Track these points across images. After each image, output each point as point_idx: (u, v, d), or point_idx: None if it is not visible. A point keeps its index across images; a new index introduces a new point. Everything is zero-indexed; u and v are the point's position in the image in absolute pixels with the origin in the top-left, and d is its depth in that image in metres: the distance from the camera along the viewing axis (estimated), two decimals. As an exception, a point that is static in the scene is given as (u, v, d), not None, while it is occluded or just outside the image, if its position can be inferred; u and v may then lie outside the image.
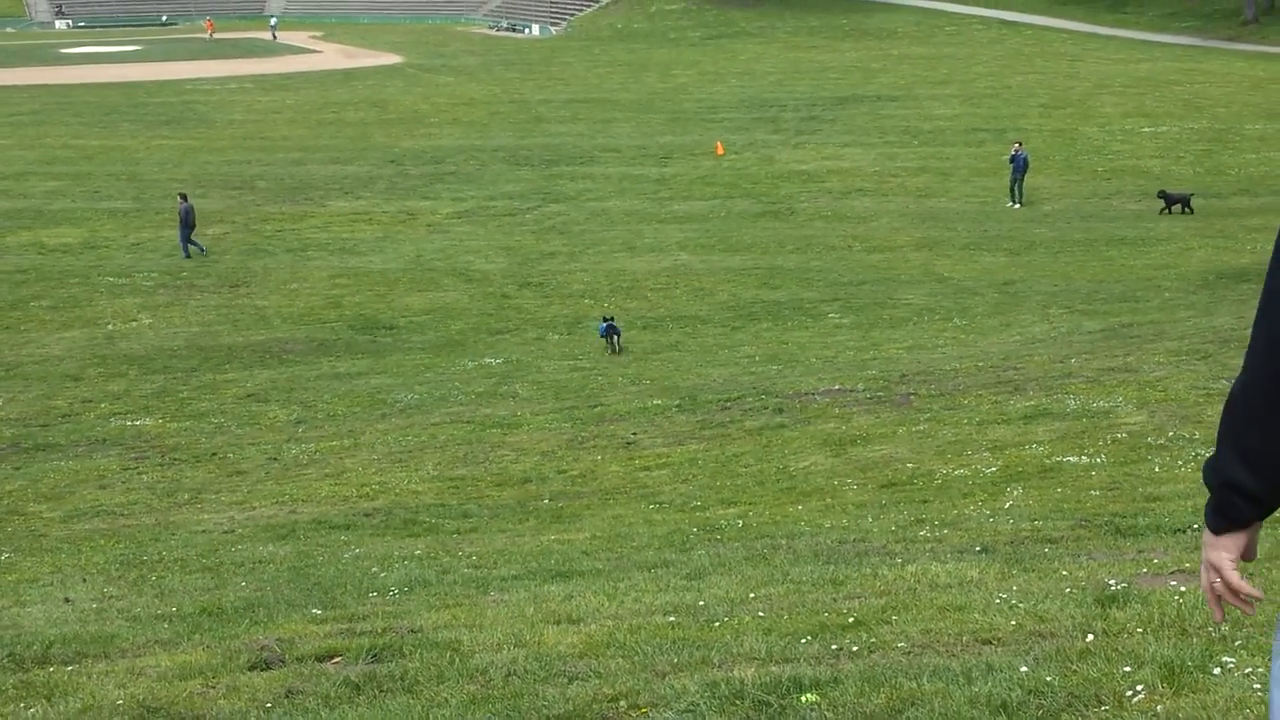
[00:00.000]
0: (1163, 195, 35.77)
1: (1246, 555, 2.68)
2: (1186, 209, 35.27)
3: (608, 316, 24.64)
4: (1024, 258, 31.60)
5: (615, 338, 23.93)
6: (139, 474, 16.19)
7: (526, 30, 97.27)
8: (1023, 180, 37.26)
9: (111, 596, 8.81)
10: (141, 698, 5.61)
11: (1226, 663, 4.86)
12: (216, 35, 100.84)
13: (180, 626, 7.34)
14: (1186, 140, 45.86)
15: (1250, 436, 2.57)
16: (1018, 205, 37.02)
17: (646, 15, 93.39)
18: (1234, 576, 2.66)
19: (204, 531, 11.98)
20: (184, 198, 34.57)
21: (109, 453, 17.79)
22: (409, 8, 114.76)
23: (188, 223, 33.95)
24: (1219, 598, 2.70)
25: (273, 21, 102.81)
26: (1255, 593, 2.64)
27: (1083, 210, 36.36)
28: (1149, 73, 62.61)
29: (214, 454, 17.23)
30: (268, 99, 64.66)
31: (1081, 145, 45.79)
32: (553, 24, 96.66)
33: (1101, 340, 20.24)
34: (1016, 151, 37.33)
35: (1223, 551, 2.68)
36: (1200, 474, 2.82)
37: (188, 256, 34.07)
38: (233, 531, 11.90)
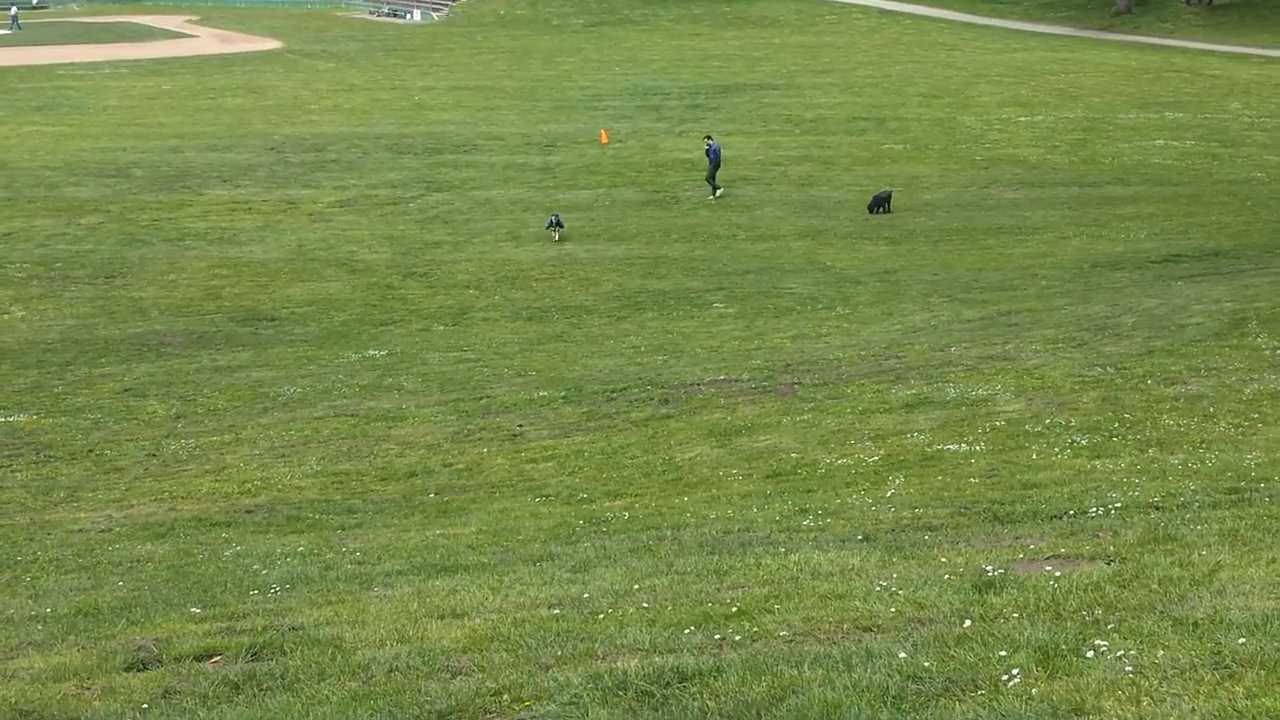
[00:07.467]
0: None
1: None
2: (885, 208, 35.50)
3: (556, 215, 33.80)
4: (904, 246, 32.01)
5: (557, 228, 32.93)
6: (12, 472, 15.81)
7: (408, 16, 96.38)
8: (715, 173, 37.82)
9: (-17, 598, 8.61)
10: (14, 700, 5.50)
11: (1100, 646, 4.98)
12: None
13: (55, 628, 7.20)
14: (1062, 129, 46.76)
15: None
16: (713, 196, 37.54)
17: (529, 2, 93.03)
18: None
19: (80, 530, 11.73)
20: None
21: (-20, 449, 17.34)
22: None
23: None
24: None
25: (12, 11, 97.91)
26: None
27: (961, 199, 36.93)
28: (1025, 62, 63.69)
29: (90, 450, 16.87)
30: (142, 84, 63.36)
31: (960, 134, 46.47)
32: (434, 10, 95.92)
33: (980, 329, 20.57)
34: (709, 145, 37.86)
35: None
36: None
37: None
38: (110, 530, 11.67)
